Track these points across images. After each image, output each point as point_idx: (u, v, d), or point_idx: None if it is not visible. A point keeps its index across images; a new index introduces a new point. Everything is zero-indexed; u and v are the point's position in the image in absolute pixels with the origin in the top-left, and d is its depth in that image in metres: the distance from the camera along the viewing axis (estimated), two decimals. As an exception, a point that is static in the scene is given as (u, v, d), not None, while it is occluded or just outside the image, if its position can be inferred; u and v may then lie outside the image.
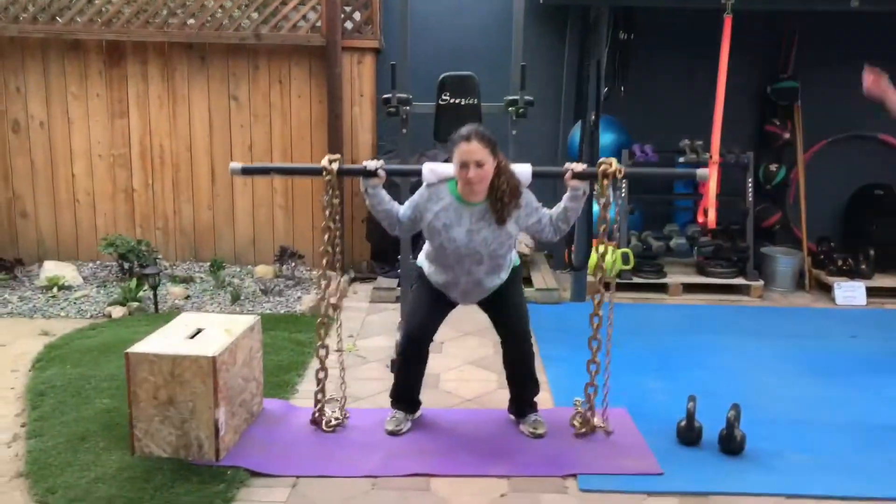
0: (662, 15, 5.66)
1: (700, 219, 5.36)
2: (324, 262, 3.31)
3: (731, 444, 3.15)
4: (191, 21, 5.52)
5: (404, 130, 4.40)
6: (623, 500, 2.83)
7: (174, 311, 4.85)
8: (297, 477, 2.94)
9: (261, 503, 2.77)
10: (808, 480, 2.96)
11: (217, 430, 2.96)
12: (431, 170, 3.19)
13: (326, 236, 3.25)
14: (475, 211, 3.11)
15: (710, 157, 5.24)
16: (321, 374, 3.34)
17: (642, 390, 3.82)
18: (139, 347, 2.99)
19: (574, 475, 2.98)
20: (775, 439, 3.26)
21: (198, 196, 5.83)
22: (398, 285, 5.07)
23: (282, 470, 2.97)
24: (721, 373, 4.07)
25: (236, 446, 3.11)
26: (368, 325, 4.78)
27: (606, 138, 5.67)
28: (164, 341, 3.06)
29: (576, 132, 5.82)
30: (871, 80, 4.04)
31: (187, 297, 5.13)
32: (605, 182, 3.11)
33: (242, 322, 3.33)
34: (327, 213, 3.21)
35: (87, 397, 3.54)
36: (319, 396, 3.35)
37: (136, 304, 4.88)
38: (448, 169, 3.17)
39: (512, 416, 3.47)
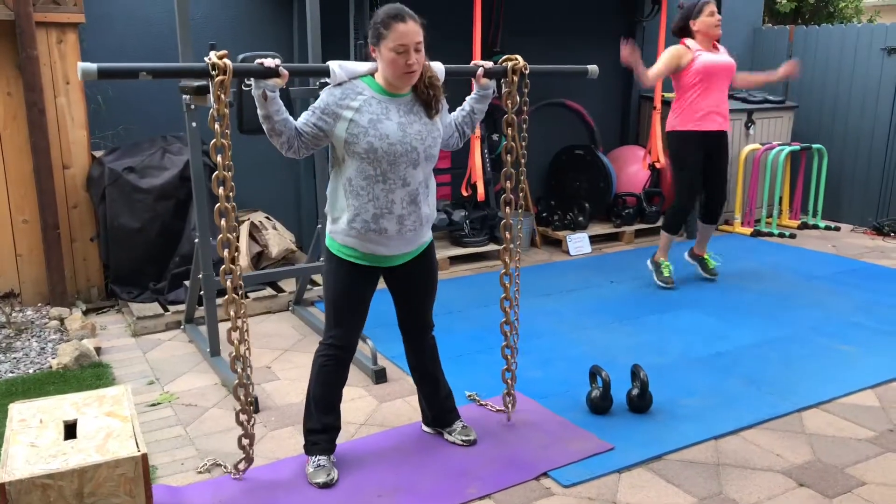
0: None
1: (465, 192, 5.46)
2: (218, 215, 2.53)
3: (643, 404, 3.32)
4: None
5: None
6: (605, 483, 2.80)
7: None
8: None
9: None
10: (718, 419, 3.26)
11: (155, 551, 2.17)
12: (340, 66, 2.64)
13: (218, 162, 2.49)
14: (402, 103, 2.69)
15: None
16: (245, 441, 2.64)
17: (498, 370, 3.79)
18: (15, 472, 2.02)
19: (544, 474, 2.86)
20: (656, 389, 3.50)
21: None
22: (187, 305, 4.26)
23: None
24: (551, 337, 4.24)
25: (162, 563, 2.33)
26: (163, 365, 3.92)
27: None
28: (42, 452, 2.12)
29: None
30: (627, 52, 4.67)
31: None
32: (515, 78, 2.94)
33: (114, 396, 2.47)
34: (217, 126, 2.46)
35: None
36: (242, 466, 2.66)
37: None
38: (359, 65, 2.69)
39: (429, 429, 3.17)
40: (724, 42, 5.16)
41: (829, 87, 7.10)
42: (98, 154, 4.66)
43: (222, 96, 2.44)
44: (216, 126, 2.47)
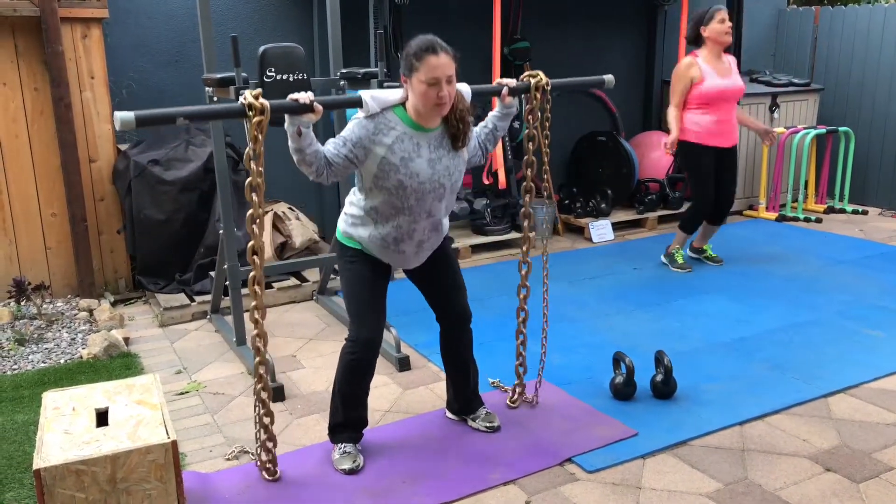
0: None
1: (486, 180, 5.46)
2: (250, 248, 2.54)
3: (667, 389, 3.32)
4: None
5: (218, 116, 3.66)
6: (629, 469, 2.81)
7: None
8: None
9: None
10: (742, 405, 3.25)
11: (186, 536, 2.22)
12: (372, 97, 2.65)
13: (254, 195, 2.51)
14: (432, 137, 2.71)
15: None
16: (264, 427, 2.67)
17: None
18: (50, 458, 2.07)
19: (568, 460, 2.88)
20: (679, 375, 3.49)
21: None
22: (214, 295, 4.31)
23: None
24: (574, 324, 4.24)
25: (193, 547, 2.38)
26: (190, 354, 3.97)
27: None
28: (76, 439, 2.17)
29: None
30: (667, 146, 4.95)
31: None
32: (538, 95, 2.98)
33: (143, 385, 2.52)
34: (253, 165, 2.47)
35: None
36: (267, 457, 2.69)
37: None
38: (390, 94, 2.69)
39: (452, 415, 3.20)
40: (749, 25, 5.12)
41: (855, 69, 6.99)
42: (123, 147, 4.72)
43: (259, 136, 2.44)
44: (252, 165, 2.48)
